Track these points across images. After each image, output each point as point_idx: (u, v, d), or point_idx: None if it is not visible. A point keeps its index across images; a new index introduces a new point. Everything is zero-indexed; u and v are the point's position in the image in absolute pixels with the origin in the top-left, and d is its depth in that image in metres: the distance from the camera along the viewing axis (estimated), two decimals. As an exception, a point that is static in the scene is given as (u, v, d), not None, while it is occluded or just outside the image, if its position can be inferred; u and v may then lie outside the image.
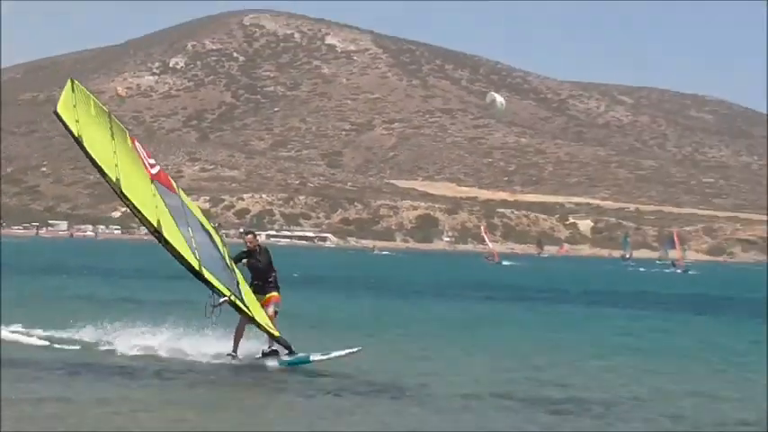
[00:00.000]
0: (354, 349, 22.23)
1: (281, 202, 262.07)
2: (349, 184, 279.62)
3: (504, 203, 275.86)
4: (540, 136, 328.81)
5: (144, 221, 21.10)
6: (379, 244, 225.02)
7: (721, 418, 18.17)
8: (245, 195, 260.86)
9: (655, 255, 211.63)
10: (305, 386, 20.25)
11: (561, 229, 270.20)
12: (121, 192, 20.46)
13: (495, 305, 49.31)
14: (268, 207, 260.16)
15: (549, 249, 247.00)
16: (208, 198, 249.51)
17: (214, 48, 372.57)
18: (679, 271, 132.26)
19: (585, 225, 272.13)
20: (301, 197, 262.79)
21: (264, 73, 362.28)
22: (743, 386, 22.32)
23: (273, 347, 22.31)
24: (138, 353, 23.01)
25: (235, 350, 22.45)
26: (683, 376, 23.60)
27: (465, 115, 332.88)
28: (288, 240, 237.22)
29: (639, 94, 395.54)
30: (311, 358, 22.15)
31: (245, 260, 22.73)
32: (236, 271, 22.45)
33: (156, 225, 20.89)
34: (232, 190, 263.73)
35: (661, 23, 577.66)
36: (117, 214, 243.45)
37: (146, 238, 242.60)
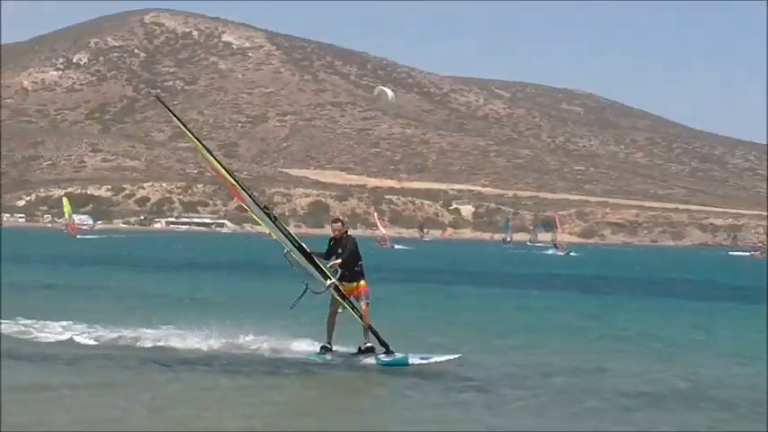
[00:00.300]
0: (455, 356, 20.46)
1: (179, 190, 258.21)
2: (245, 173, 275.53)
3: (392, 190, 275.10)
4: (423, 127, 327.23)
5: (257, 214, 20.92)
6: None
7: (600, 388, 18.38)
8: (145, 184, 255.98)
9: (522, 238, 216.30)
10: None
11: (445, 214, 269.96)
12: (242, 188, 20.53)
13: (391, 287, 45.84)
14: (167, 195, 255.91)
15: (434, 233, 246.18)
16: (109, 187, 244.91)
17: (116, 44, 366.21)
18: (561, 253, 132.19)
19: (467, 210, 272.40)
20: (199, 186, 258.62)
21: (164, 68, 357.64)
22: (621, 357, 22.63)
23: (369, 344, 20.57)
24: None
25: (329, 342, 20.80)
26: (568, 351, 23.60)
27: (354, 108, 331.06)
28: (187, 227, 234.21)
29: (515, 89, 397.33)
30: (410, 361, 20.32)
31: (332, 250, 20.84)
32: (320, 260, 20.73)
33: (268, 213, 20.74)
34: (133, 179, 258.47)
35: (536, 22, 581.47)
36: (21, 203, 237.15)
37: (49, 225, 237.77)
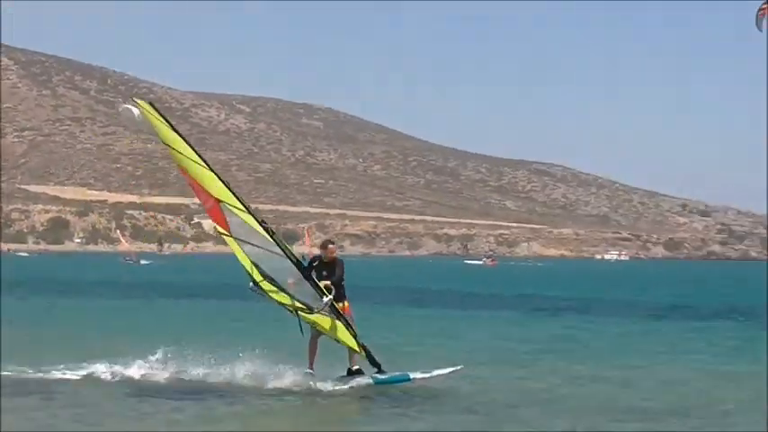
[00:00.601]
0: (457, 367, 20.09)
1: None
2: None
3: (133, 205, 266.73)
4: None
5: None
6: (13, 246, 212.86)
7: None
8: None
9: None
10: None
11: (187, 229, 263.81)
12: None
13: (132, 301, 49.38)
14: None
15: (175, 247, 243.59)
16: None
17: None
18: None
19: (209, 224, 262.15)
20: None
21: None
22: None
23: (357, 366, 19.91)
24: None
25: (311, 366, 19.86)
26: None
27: (94, 123, 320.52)
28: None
29: (256, 103, 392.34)
30: (412, 377, 19.86)
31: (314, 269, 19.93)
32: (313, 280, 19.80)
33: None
34: None
35: (273, 37, 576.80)
36: None
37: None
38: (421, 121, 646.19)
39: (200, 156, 19.59)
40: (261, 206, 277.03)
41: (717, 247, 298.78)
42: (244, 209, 19.44)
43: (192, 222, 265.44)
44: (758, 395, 19.51)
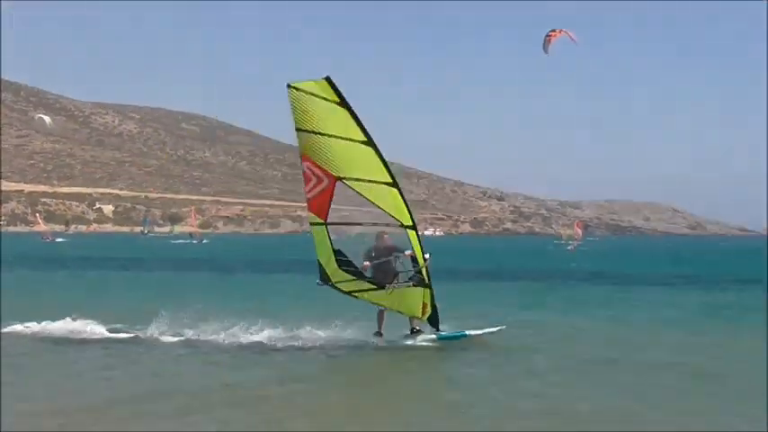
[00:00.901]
0: (501, 327, 20.36)
1: None
2: None
3: (45, 194, 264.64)
4: (70, 143, 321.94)
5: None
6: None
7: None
8: None
9: (165, 229, 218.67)
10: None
11: (90, 213, 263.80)
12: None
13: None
14: None
15: (81, 228, 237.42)
16: None
17: None
18: (195, 242, 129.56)
19: (108, 209, 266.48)
20: None
21: None
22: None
23: (418, 327, 20.11)
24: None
25: (380, 329, 20.11)
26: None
27: (10, 128, 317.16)
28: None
29: (145, 112, 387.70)
30: (467, 333, 20.03)
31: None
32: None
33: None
34: None
35: (156, 55, 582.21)
36: None
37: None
38: (279, 126, 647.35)
39: (366, 134, 18.35)
40: (150, 194, 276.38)
41: (510, 225, 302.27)
42: (392, 180, 18.70)
43: (95, 207, 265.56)
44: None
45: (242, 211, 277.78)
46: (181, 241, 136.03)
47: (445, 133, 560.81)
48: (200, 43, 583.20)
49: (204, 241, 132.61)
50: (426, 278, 19.70)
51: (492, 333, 20.42)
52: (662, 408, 14.36)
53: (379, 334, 20.17)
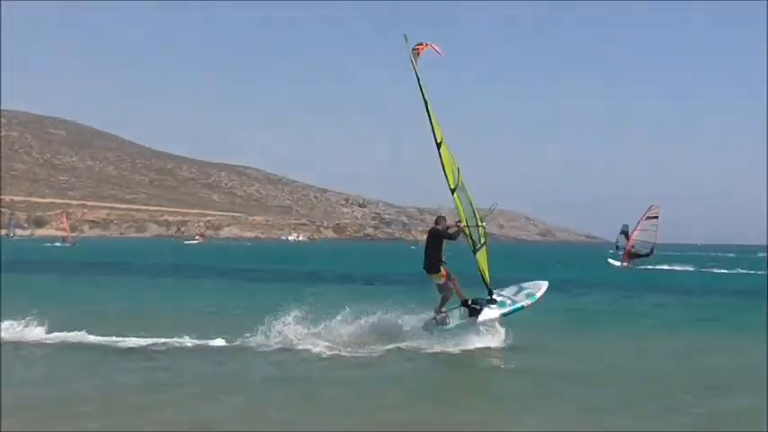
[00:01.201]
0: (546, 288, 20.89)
1: None
2: None
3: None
4: None
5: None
6: None
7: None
8: None
9: (26, 233, 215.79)
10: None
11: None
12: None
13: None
14: None
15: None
16: None
17: None
18: (68, 244, 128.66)
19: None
20: None
21: None
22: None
23: (469, 299, 20.16)
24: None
25: (442, 309, 20.34)
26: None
27: None
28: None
29: (11, 116, 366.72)
30: (523, 304, 20.12)
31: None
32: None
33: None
34: None
35: (45, 58, 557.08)
36: None
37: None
38: (146, 132, 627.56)
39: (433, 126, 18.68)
40: (15, 198, 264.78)
41: (371, 230, 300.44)
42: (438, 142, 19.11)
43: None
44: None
45: (108, 215, 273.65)
46: (50, 244, 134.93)
47: (309, 144, 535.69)
48: (67, 43, 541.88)
49: (76, 245, 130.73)
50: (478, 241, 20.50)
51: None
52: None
53: (441, 312, 20.47)
